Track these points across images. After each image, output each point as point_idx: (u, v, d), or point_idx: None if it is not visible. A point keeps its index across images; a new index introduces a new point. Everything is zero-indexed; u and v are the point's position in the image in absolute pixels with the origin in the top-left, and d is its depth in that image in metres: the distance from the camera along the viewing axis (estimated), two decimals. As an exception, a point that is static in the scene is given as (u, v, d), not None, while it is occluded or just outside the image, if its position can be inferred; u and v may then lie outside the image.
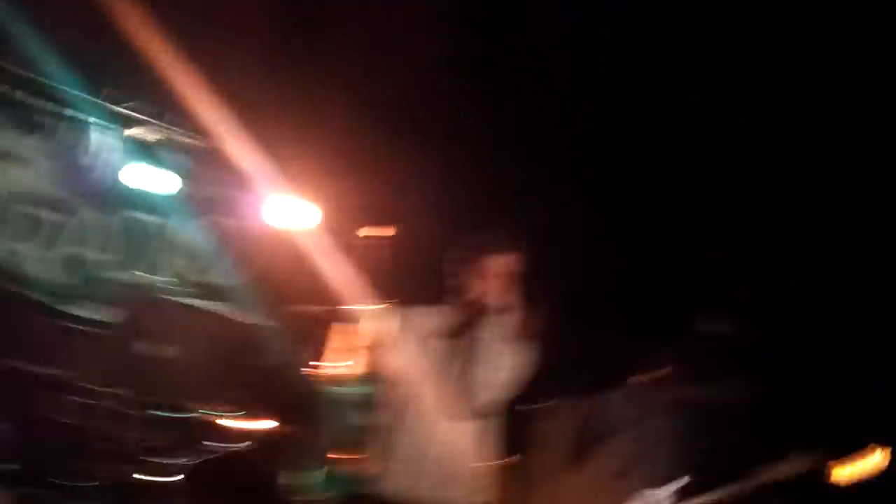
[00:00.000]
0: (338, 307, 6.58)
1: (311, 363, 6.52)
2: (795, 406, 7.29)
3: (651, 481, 6.05)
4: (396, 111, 8.62)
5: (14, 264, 7.82)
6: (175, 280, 8.27)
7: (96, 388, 5.29)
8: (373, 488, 4.92)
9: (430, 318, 5.02)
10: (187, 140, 8.64)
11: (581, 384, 6.26)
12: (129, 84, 8.27)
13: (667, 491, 6.20)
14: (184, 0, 7.58)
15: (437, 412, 4.90)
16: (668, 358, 6.54)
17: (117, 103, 8.39)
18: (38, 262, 8.20)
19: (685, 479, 6.21)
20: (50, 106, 8.05)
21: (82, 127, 8.35)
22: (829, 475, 6.43)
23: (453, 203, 9.12)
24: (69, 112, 8.19)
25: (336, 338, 6.22)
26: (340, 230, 8.80)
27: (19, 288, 7.50)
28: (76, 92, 8.14)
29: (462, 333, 4.94)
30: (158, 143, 8.39)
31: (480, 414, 4.94)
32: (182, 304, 5.88)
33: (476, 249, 4.98)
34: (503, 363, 4.93)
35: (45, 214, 8.20)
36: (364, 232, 8.77)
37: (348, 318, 6.43)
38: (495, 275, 4.92)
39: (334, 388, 6.52)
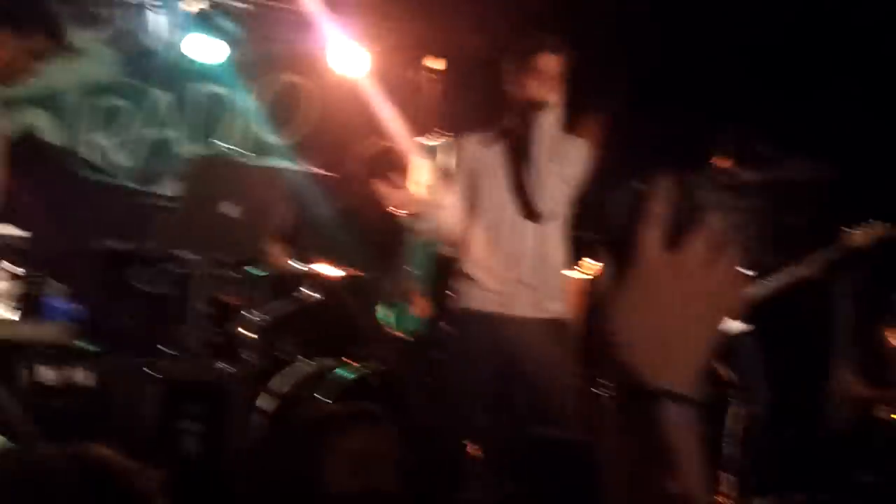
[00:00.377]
0: (396, 146, 6.78)
1: (376, 205, 6.76)
2: (864, 181, 7.38)
3: (741, 261, 6.27)
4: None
5: (96, 155, 8.19)
6: (241, 143, 8.61)
7: (179, 256, 5.64)
8: (461, 305, 5.15)
9: (485, 139, 5.15)
10: (244, 5, 8.79)
11: (655, 173, 6.39)
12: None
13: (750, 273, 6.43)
14: None
15: (512, 218, 5.10)
16: (735, 142, 6.63)
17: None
18: (118, 149, 8.58)
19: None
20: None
21: (137, 10, 8.57)
22: None
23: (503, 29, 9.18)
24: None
25: (399, 177, 6.47)
26: (392, 70, 8.91)
27: (104, 177, 7.84)
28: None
29: (523, 135, 5.10)
30: (212, 10, 8.55)
31: (554, 212, 5.12)
32: (246, 165, 6.12)
33: (531, 49, 5.08)
34: (568, 159, 5.08)
35: (118, 102, 8.52)
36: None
37: (408, 156, 6.66)
38: (551, 72, 5.04)
39: (400, 227, 6.83)
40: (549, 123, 5.00)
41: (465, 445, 5.14)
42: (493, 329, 5.05)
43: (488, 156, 5.14)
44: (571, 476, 4.45)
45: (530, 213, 5.04)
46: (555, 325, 5.10)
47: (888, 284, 7.23)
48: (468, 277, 5.11)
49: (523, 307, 5.08)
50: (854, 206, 6.81)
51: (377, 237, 6.67)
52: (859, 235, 6.45)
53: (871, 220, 6.50)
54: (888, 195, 7.27)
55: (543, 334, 5.07)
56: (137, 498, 1.76)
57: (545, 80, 5.01)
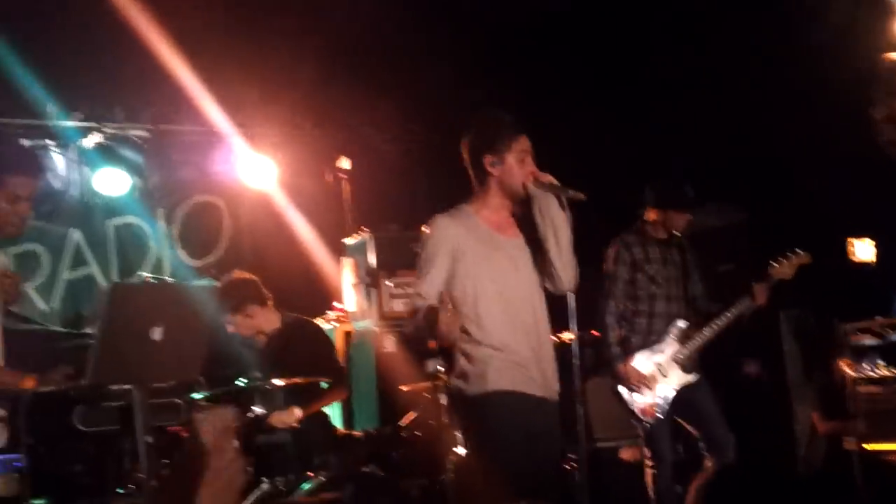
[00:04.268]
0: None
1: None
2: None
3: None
4: (349, 54, 8.62)
5: (24, 305, 7.97)
6: (158, 270, 8.48)
7: (116, 391, 5.45)
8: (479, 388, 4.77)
9: (472, 220, 4.95)
10: (143, 132, 8.72)
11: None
12: (74, 90, 8.38)
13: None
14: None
15: (522, 302, 4.87)
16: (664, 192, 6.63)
17: (67, 117, 8.48)
18: (45, 294, 8.42)
19: (683, 324, 6.47)
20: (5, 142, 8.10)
21: (42, 152, 8.45)
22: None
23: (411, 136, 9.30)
24: (25, 142, 8.23)
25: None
26: (303, 177, 8.92)
27: (31, 325, 7.63)
28: (25, 120, 8.25)
29: (520, 219, 4.95)
30: (111, 142, 8.48)
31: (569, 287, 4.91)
32: (163, 287, 5.99)
33: (512, 131, 4.87)
34: (567, 234, 4.89)
35: (31, 247, 8.36)
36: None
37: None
38: (530, 153, 4.87)
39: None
40: (545, 202, 4.89)
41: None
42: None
43: (484, 236, 4.92)
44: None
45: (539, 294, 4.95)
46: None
47: (831, 317, 7.29)
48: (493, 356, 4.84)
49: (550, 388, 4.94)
50: (776, 244, 6.87)
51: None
52: (784, 266, 6.49)
53: (795, 250, 6.54)
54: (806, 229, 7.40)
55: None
56: None
57: (528, 161, 4.90)
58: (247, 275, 6.66)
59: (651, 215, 6.53)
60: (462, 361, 4.82)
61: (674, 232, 6.54)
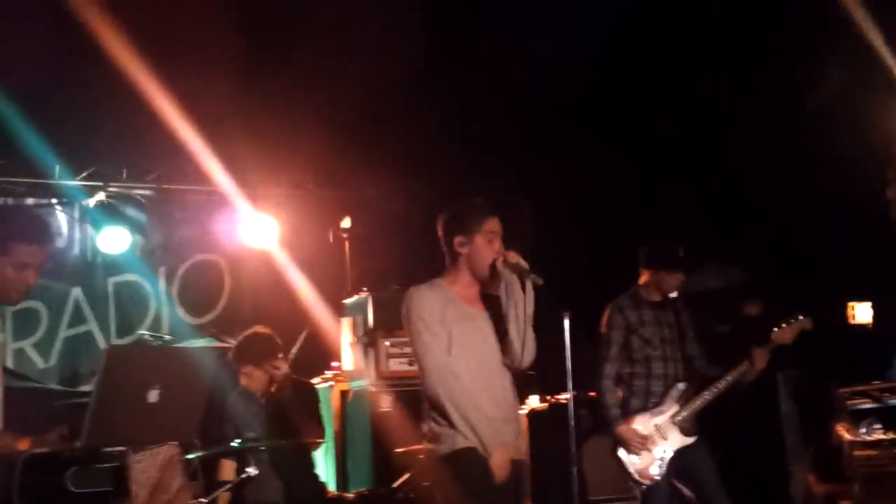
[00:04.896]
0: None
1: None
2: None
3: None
4: (354, 125, 8.70)
5: (21, 363, 7.98)
6: (157, 328, 8.49)
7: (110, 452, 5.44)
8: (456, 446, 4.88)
9: (447, 292, 5.08)
10: (147, 192, 8.78)
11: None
12: (81, 152, 8.45)
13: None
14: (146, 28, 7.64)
15: (491, 372, 5.00)
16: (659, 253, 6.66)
17: (74, 176, 8.55)
18: (43, 351, 8.43)
19: (682, 386, 6.47)
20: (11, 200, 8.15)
21: (48, 210, 8.50)
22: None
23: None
24: (31, 200, 8.29)
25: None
26: (303, 236, 8.95)
27: (27, 383, 7.64)
28: (31, 180, 8.32)
29: (486, 297, 5.09)
30: (114, 201, 8.52)
31: (527, 364, 5.07)
32: (160, 349, 6.02)
33: (481, 213, 5.05)
34: (527, 314, 5.02)
35: (30, 304, 8.37)
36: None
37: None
38: (499, 235, 5.03)
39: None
40: (509, 283, 5.02)
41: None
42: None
43: (457, 311, 5.05)
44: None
45: (504, 367, 5.06)
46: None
47: (829, 379, 7.29)
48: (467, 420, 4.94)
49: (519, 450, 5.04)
50: (776, 306, 6.88)
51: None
52: (785, 331, 6.49)
53: (797, 315, 6.54)
54: (806, 291, 7.40)
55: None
56: None
57: (497, 242, 5.03)
58: (269, 331, 6.69)
59: (644, 277, 6.55)
60: (433, 424, 4.93)
61: (668, 294, 6.56)
